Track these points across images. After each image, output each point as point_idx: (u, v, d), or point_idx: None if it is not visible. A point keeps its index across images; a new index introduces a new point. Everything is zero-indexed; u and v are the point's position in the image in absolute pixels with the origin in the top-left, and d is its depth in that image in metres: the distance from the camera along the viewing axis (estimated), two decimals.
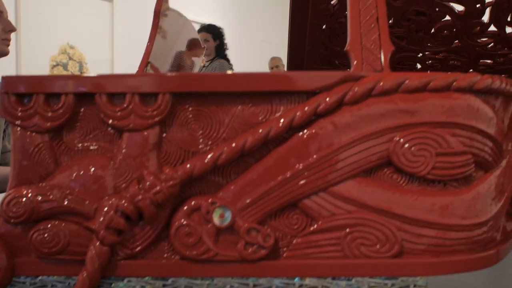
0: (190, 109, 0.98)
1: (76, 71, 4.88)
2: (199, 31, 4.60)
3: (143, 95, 0.97)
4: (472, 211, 0.98)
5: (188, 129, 0.98)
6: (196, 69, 2.04)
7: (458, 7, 2.04)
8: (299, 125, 0.95)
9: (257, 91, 0.96)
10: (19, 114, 0.98)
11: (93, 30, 5.06)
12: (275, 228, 0.98)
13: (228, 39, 7.00)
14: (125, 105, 0.97)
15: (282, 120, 0.95)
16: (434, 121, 0.95)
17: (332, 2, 2.06)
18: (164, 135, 0.98)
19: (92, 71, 5.04)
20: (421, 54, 2.22)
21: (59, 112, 0.99)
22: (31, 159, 0.99)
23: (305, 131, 0.96)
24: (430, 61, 2.24)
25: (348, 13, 1.08)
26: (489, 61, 2.24)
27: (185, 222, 0.97)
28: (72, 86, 0.98)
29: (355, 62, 1.03)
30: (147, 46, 1.31)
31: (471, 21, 2.07)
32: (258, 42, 7.08)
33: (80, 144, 1.01)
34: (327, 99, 0.95)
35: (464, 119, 0.96)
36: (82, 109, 1.00)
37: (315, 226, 0.97)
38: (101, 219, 0.95)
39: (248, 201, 0.97)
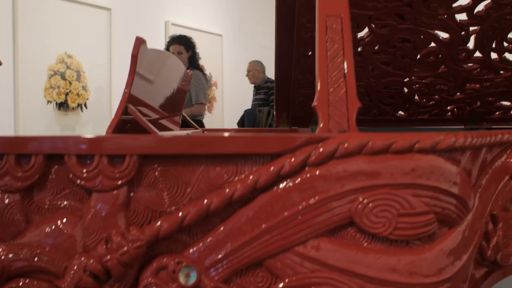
0: (158, 169, 1.00)
1: (73, 80, 4.90)
2: (171, 43, 4.58)
3: (111, 156, 0.99)
4: (435, 269, 1.00)
5: (156, 189, 1.00)
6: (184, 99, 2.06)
7: (443, 35, 2.05)
8: (263, 186, 0.97)
9: (222, 153, 0.98)
10: None
11: (91, 38, 5.08)
12: (241, 286, 1.00)
13: (227, 45, 7.03)
14: (93, 166, 0.99)
15: (247, 182, 0.97)
16: (397, 182, 0.96)
17: None
18: (132, 194, 1.00)
19: (90, 80, 5.07)
20: (408, 79, 2.24)
21: (30, 172, 1.01)
22: (2, 218, 1.01)
23: (269, 192, 0.97)
24: (417, 85, 2.26)
25: (316, 68, 1.10)
26: (476, 85, 2.25)
27: (152, 281, 0.99)
28: (41, 147, 1.00)
29: (321, 119, 1.04)
30: (125, 92, 1.32)
31: (457, 48, 2.08)
32: (256, 48, 7.09)
33: (50, 203, 1.03)
34: (291, 161, 0.97)
35: (427, 180, 0.98)
36: (53, 169, 1.02)
37: (280, 284, 0.99)
38: (70, 278, 0.98)
39: (214, 260, 0.99)
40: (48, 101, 4.78)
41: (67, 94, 4.87)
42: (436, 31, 2.02)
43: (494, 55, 2.13)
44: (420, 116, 2.43)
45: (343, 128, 1.03)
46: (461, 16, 2.00)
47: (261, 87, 5.76)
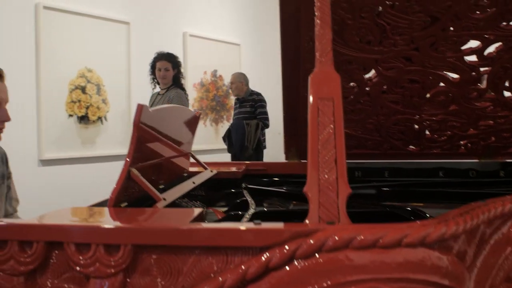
0: (152, 257, 1.03)
1: (94, 94, 4.98)
2: (159, 59, 4.60)
3: (107, 246, 1.02)
4: None
5: (150, 276, 1.04)
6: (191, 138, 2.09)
7: (453, 75, 2.04)
8: (253, 277, 1.00)
9: (212, 245, 1.01)
10: None
11: (110, 52, 5.15)
12: None
13: (245, 54, 7.04)
14: (90, 255, 1.03)
15: (237, 273, 0.99)
16: (384, 277, 0.98)
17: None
18: (128, 280, 1.04)
19: (109, 93, 5.14)
20: (418, 116, 2.23)
21: (32, 258, 1.05)
22: None
23: (259, 282, 1.00)
24: (427, 122, 2.25)
25: (308, 151, 1.12)
26: (489, 121, 2.24)
27: None
28: (43, 235, 1.05)
29: (311, 206, 1.06)
30: (126, 161, 1.36)
31: (468, 87, 2.07)
32: (275, 56, 7.06)
33: (52, 285, 1.07)
34: (279, 253, 0.99)
35: (415, 273, 0.99)
36: (53, 254, 1.07)
37: None
38: None
39: None
40: (70, 115, 4.86)
41: (87, 107, 4.95)
42: (445, 72, 2.01)
43: (507, 93, 2.11)
44: (432, 150, 2.42)
45: (333, 216, 1.05)
46: (471, 57, 1.98)
47: (246, 100, 5.69)
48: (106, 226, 1.08)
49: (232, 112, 6.70)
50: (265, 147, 5.76)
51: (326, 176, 1.08)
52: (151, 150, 1.60)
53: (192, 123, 2.06)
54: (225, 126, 6.69)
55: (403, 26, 1.84)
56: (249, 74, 6.45)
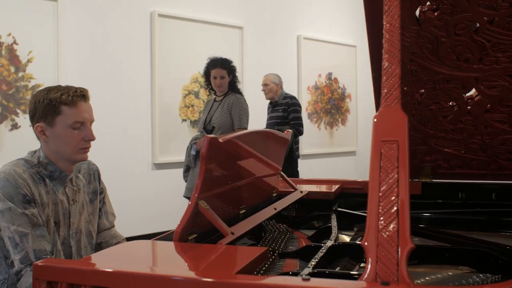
0: None
1: (206, 99, 5.12)
2: (214, 66, 4.34)
3: None
4: None
5: None
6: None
7: None
8: None
9: None
10: None
11: (226, 55, 5.26)
12: None
13: (361, 56, 6.84)
14: None
15: None
16: None
17: (421, 91, 1.96)
18: None
19: None
20: None
21: None
22: None
23: None
24: None
25: (368, 198, 1.03)
26: None
27: None
28: (89, 279, 1.06)
29: (368, 261, 0.98)
30: (193, 196, 1.35)
31: None
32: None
33: None
34: None
35: None
36: None
37: None
38: None
39: None
40: (183, 119, 5.03)
41: (200, 112, 5.09)
42: None
43: None
44: None
45: (391, 274, 0.95)
46: None
47: (279, 104, 5.16)
48: (151, 272, 1.07)
49: (348, 116, 6.57)
50: (298, 157, 5.28)
51: (386, 228, 0.99)
52: (227, 177, 1.58)
53: (279, 142, 2.02)
54: (340, 129, 6.58)
55: (506, 43, 1.66)
56: (365, 76, 6.27)
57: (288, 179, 2.17)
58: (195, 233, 1.43)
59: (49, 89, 1.84)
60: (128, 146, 4.76)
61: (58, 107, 1.80)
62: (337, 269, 1.46)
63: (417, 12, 1.67)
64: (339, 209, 2.08)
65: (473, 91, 1.90)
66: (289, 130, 2.19)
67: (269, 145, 1.96)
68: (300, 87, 6.11)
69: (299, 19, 6.13)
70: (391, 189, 1.02)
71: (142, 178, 4.80)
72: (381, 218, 1.00)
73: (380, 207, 1.01)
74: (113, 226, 2.14)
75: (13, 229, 1.71)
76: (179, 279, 0.98)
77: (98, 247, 2.03)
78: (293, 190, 2.17)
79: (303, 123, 5.14)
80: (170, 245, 1.32)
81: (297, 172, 5.06)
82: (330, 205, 2.16)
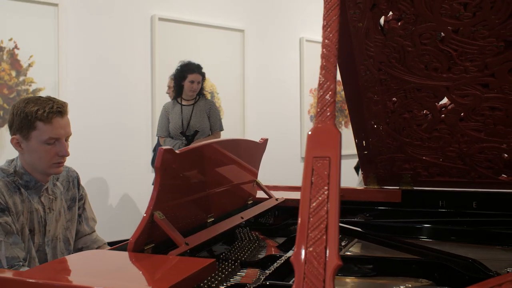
0: None
1: None
2: (192, 71, 4.30)
3: None
4: None
5: None
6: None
7: None
8: None
9: None
10: None
11: (224, 60, 5.27)
12: None
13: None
14: None
15: None
16: None
17: (393, 99, 1.96)
18: None
19: (223, 101, 5.27)
20: (505, 145, 2.00)
21: None
22: None
23: None
24: None
25: (299, 214, 1.03)
26: None
27: None
28: None
29: (295, 278, 0.98)
30: (148, 208, 1.36)
31: None
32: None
33: None
34: None
35: None
36: None
37: None
38: None
39: None
40: None
41: None
42: None
43: None
44: None
45: None
46: None
47: None
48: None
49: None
50: None
51: (314, 245, 0.99)
52: (189, 186, 1.58)
53: (254, 150, 2.02)
54: (343, 132, 6.55)
55: (473, 52, 1.65)
56: None
57: (264, 186, 2.18)
58: (152, 243, 1.44)
59: (27, 102, 1.86)
60: (128, 150, 4.79)
61: (34, 122, 1.82)
62: (291, 281, 1.46)
63: (382, 22, 1.67)
64: None
65: (446, 100, 1.89)
66: (264, 138, 2.18)
67: (241, 153, 1.97)
68: (302, 90, 6.09)
69: (301, 21, 6.11)
70: (321, 205, 1.01)
71: (141, 180, 4.83)
72: (310, 234, 1.00)
73: (309, 223, 1.01)
74: (94, 231, 2.17)
75: None
76: None
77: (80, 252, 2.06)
78: (268, 197, 2.17)
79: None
80: (120, 255, 1.33)
81: None
82: None
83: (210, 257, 1.52)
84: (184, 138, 4.22)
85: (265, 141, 2.13)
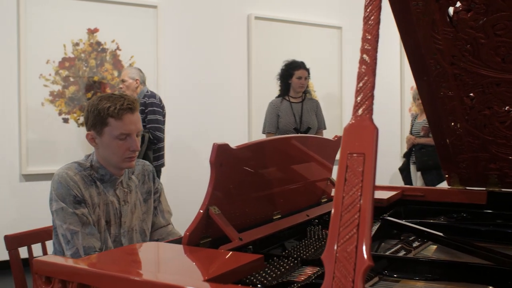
0: None
1: None
2: (299, 67, 4.40)
3: None
4: None
5: None
6: None
7: None
8: None
9: None
10: None
11: (321, 57, 5.24)
12: None
13: None
14: None
15: None
16: None
17: (470, 95, 1.85)
18: None
19: (320, 98, 5.24)
20: None
21: None
22: None
23: None
24: None
25: (332, 212, 1.01)
26: None
27: None
28: (75, 277, 1.14)
29: (325, 277, 0.96)
30: (203, 203, 1.39)
31: None
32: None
33: None
34: None
35: None
36: None
37: None
38: None
39: None
40: None
41: None
42: None
43: None
44: None
45: None
46: None
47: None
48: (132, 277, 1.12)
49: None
50: (163, 165, 4.51)
51: (345, 244, 0.96)
52: (249, 182, 1.60)
53: (328, 148, 2.00)
54: None
55: None
56: None
57: None
58: (209, 237, 1.47)
59: (100, 99, 1.97)
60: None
61: (106, 119, 1.92)
62: None
63: (451, 13, 1.58)
64: (387, 217, 2.01)
65: None
66: (339, 135, 2.14)
67: (312, 149, 1.95)
68: (403, 86, 5.92)
69: None
70: (354, 203, 0.99)
71: None
72: (341, 232, 0.98)
73: (341, 221, 0.98)
74: (169, 223, 2.24)
75: (65, 227, 1.86)
76: (136, 280, 1.04)
77: None
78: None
79: (162, 127, 4.41)
80: (172, 248, 1.37)
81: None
82: (381, 212, 2.10)
83: (277, 254, 1.53)
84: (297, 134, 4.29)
85: (339, 138, 2.10)
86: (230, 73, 4.96)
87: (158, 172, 4.27)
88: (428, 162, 4.94)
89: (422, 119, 5.04)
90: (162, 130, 4.34)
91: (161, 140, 4.35)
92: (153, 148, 4.27)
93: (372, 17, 1.07)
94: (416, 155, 4.96)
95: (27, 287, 2.05)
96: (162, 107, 4.36)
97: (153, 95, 4.30)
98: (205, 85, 4.85)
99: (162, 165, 4.43)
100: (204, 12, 4.84)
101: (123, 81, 4.31)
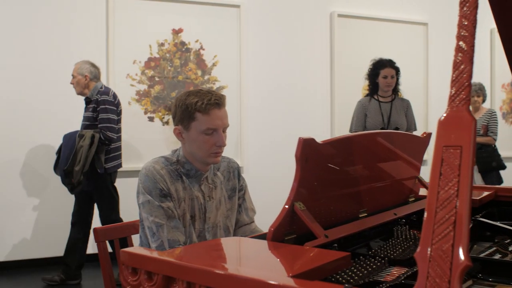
0: None
1: None
2: (385, 65, 4.24)
3: None
4: None
5: None
6: None
7: None
8: None
9: None
10: (131, 282, 1.20)
11: (405, 54, 5.08)
12: None
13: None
14: None
15: None
16: None
17: None
18: None
19: (407, 95, 5.09)
20: None
21: (154, 287, 1.16)
22: None
23: None
24: None
25: (425, 208, 0.95)
26: None
27: None
28: (161, 268, 1.15)
29: (419, 275, 0.91)
30: (288, 198, 1.37)
31: None
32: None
33: None
34: None
35: None
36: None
37: None
38: None
39: None
40: None
41: None
42: None
43: None
44: None
45: None
46: None
47: (91, 100, 4.07)
48: (210, 269, 1.11)
49: None
50: (119, 167, 4.21)
51: (440, 242, 0.91)
52: (336, 179, 1.56)
53: (416, 145, 1.92)
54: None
55: None
56: None
57: (426, 183, 2.05)
58: (294, 233, 1.44)
59: (188, 94, 1.98)
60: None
61: (193, 113, 1.93)
62: None
63: None
64: (480, 218, 1.90)
65: None
66: (428, 132, 2.05)
67: (400, 147, 1.88)
68: (493, 84, 5.63)
69: (489, 11, 5.64)
70: (450, 198, 0.92)
71: None
72: (436, 229, 0.92)
73: (436, 217, 0.93)
74: (253, 221, 2.23)
75: (151, 219, 1.89)
76: (221, 274, 1.03)
77: None
78: None
79: (115, 126, 4.03)
80: (257, 243, 1.36)
81: None
82: (473, 213, 1.99)
83: (363, 253, 1.48)
84: None
85: (428, 135, 2.01)
86: (313, 71, 4.92)
87: (112, 175, 4.10)
88: (492, 163, 4.83)
89: (478, 117, 4.83)
90: (114, 130, 3.99)
91: (113, 140, 4.01)
92: (105, 150, 4.01)
93: (469, 1, 1.00)
94: (476, 155, 4.78)
95: (113, 277, 2.11)
96: (117, 104, 4.04)
97: (106, 92, 4.01)
98: (287, 84, 4.83)
99: (118, 166, 4.14)
100: (287, 11, 4.83)
101: (73, 76, 4.07)
